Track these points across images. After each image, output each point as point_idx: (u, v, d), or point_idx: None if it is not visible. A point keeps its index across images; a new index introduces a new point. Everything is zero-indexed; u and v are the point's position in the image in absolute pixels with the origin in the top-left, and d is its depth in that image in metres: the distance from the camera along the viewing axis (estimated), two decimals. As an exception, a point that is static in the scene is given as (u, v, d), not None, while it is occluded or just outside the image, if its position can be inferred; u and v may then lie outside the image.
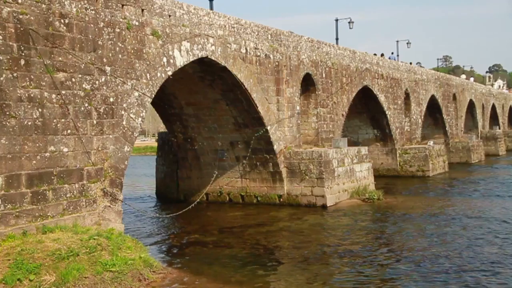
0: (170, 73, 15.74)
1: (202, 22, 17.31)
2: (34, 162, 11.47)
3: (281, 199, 21.58)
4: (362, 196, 22.76)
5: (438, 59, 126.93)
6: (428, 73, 40.75)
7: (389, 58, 37.32)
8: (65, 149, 12.20)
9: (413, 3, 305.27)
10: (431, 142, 35.94)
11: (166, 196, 24.53)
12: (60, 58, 12.09)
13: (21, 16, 11.26)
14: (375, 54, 34.59)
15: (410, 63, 40.20)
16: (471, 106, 51.03)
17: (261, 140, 20.87)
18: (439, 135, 42.23)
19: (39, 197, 11.52)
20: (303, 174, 21.17)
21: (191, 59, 16.74)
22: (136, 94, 14.30)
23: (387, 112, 31.97)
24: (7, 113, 10.92)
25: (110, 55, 13.49)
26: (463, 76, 59.31)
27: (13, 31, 11.07)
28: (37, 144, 11.56)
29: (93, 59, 12.94)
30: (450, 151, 41.92)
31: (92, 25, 12.97)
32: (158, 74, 15.23)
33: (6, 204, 10.82)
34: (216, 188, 22.65)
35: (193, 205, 17.92)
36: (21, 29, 11.26)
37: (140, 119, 14.46)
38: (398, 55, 42.53)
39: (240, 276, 12.02)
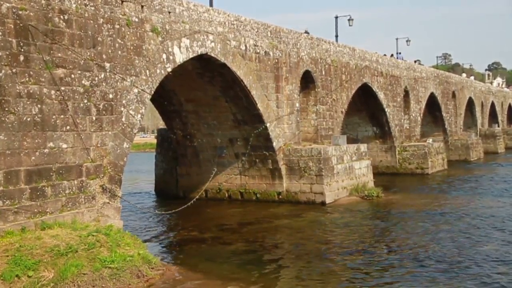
0: (169, 69, 15.71)
1: (202, 19, 17.29)
2: (33, 158, 11.46)
3: (280, 196, 21.59)
4: (361, 193, 22.79)
5: (437, 56, 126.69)
6: (428, 70, 40.73)
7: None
8: (64, 146, 12.19)
9: (413, 1, 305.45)
10: (430, 140, 35.95)
11: (165, 192, 24.52)
12: (59, 54, 12.07)
13: (20, 12, 11.23)
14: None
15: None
16: (470, 104, 51.05)
17: (261, 137, 20.87)
18: (438, 133, 42.25)
19: (38, 193, 11.51)
20: (302, 171, 21.17)
21: (191, 56, 16.72)
22: (136, 90, 14.28)
23: (386, 110, 31.96)
24: (6, 109, 10.90)
25: (110, 51, 13.47)
26: (464, 75, 59.18)
27: (12, 27, 11.05)
28: (36, 140, 11.54)
29: (92, 55, 12.92)
30: (449, 149, 41.94)
31: (91, 21, 12.94)
32: (158, 71, 15.21)
33: (4, 200, 10.81)
34: (215, 185, 22.67)
35: (192, 201, 17.89)
36: (21, 25, 11.23)
37: (139, 115, 14.45)
38: (399, 53, 42.46)
39: (239, 272, 12.04)
